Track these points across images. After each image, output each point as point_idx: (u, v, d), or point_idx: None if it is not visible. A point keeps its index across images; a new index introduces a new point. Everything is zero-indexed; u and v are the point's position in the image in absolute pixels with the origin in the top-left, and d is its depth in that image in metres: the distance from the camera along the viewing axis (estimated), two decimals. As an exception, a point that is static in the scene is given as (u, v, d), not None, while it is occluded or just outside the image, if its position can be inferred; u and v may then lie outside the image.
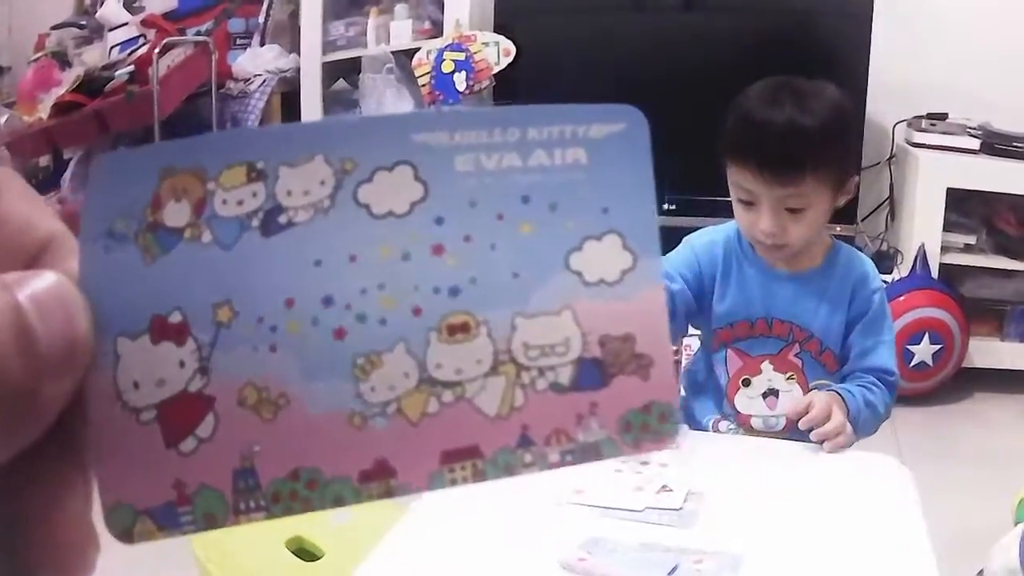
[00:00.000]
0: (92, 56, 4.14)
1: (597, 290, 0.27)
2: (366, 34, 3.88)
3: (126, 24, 4.13)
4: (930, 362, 3.42)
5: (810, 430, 1.52)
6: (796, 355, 1.69)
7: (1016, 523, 2.11)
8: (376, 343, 0.26)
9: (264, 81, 4.05)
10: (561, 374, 0.27)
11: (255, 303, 0.26)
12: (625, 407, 0.27)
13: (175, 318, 0.26)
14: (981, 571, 1.96)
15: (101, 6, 4.25)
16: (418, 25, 3.83)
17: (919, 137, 3.60)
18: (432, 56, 3.65)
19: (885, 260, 3.52)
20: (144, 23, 4.02)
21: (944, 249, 3.52)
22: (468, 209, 0.27)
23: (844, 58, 3.46)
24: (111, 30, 4.19)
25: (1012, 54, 3.69)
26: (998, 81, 3.71)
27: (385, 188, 0.27)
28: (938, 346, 3.41)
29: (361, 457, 0.26)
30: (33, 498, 0.25)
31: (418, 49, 3.72)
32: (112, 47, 4.21)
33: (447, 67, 3.61)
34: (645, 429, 0.27)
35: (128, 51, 4.09)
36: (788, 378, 1.67)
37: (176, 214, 0.26)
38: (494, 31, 3.67)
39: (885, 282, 2.09)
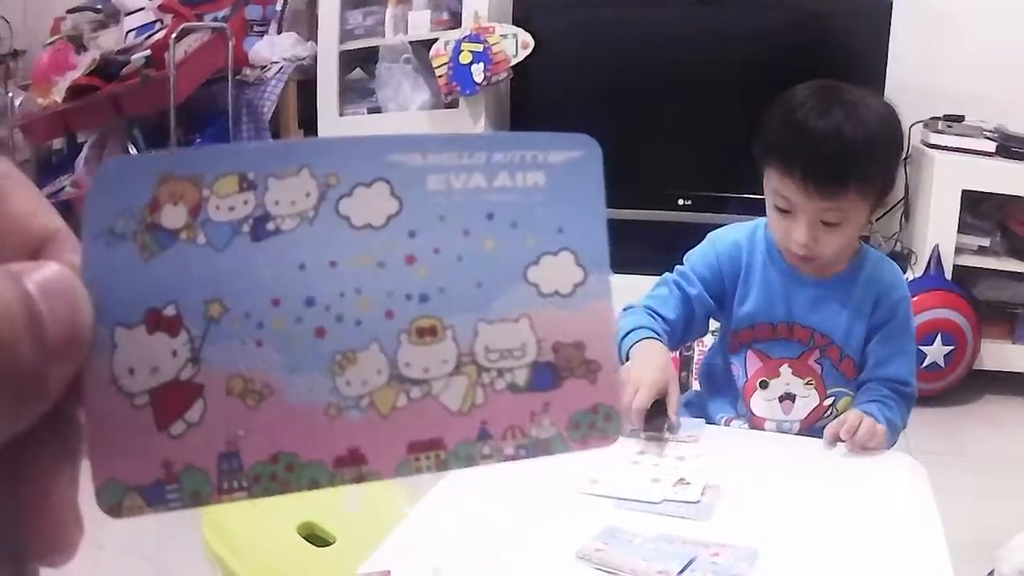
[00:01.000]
0: (108, 40, 4.14)
1: (552, 301, 0.30)
2: (384, 23, 3.88)
3: (143, 9, 4.13)
4: (942, 363, 3.41)
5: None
6: (816, 361, 1.68)
7: (1028, 525, 2.11)
8: (352, 342, 0.29)
9: (280, 69, 4.05)
10: (518, 376, 0.30)
11: (243, 301, 0.29)
12: (574, 407, 0.30)
13: (169, 311, 0.28)
14: (991, 573, 1.96)
15: (118, -10, 4.25)
16: (436, 15, 3.83)
17: (935, 139, 3.59)
18: (450, 47, 3.64)
19: (899, 260, 3.50)
20: (161, 8, 4.02)
21: (958, 251, 3.51)
22: (438, 224, 0.30)
23: (862, 58, 3.45)
24: (128, 14, 4.19)
25: (1030, 58, 3.68)
26: (1015, 84, 3.70)
27: (364, 202, 0.29)
28: (950, 347, 3.40)
29: (335, 445, 0.29)
30: (27, 482, 0.27)
31: (436, 39, 3.71)
32: (128, 31, 4.21)
33: (465, 58, 3.60)
34: (592, 427, 0.30)
35: (144, 36, 4.09)
36: (807, 383, 1.65)
37: (173, 216, 0.29)
38: (513, 23, 3.66)
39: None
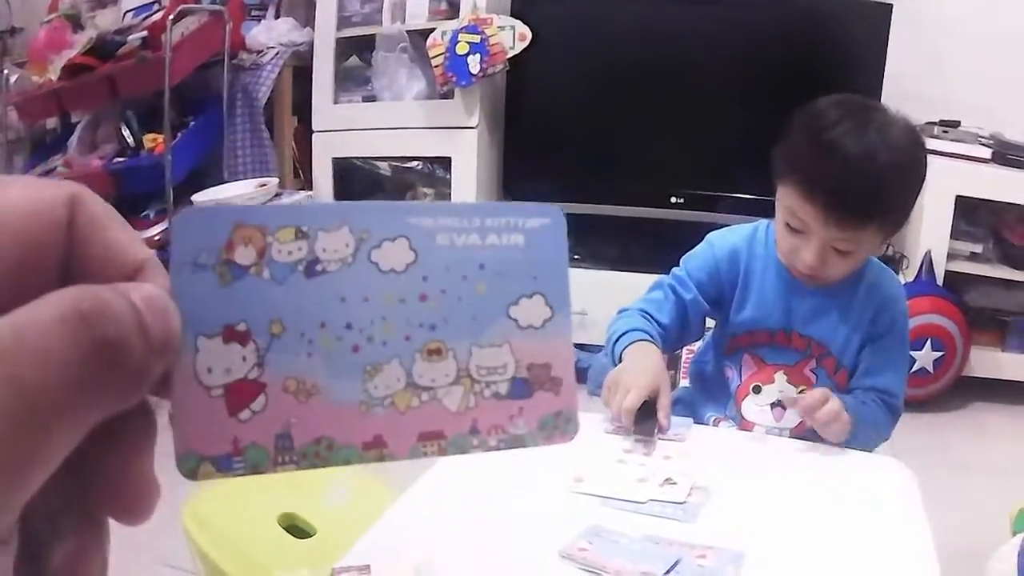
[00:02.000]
0: (105, 20, 4.12)
1: (527, 332, 0.40)
2: (382, 11, 3.86)
3: (141, -11, 4.11)
4: (931, 369, 3.41)
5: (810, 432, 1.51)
6: (812, 370, 1.67)
7: (1014, 534, 2.11)
8: (379, 357, 0.38)
9: (277, 54, 4.03)
10: (501, 387, 0.39)
11: (298, 323, 0.38)
12: (542, 412, 0.40)
13: (241, 327, 0.37)
14: (976, 581, 1.95)
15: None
16: (435, 5, 3.81)
17: (931, 144, 3.56)
18: (447, 37, 3.63)
19: (890, 264, 3.48)
20: (159, -11, 4.00)
21: (950, 256, 3.52)
22: (444, 271, 0.39)
23: (861, 62, 3.44)
24: (126, -5, 4.18)
25: (1027, 65, 3.68)
26: (1012, 91, 3.71)
27: (389, 253, 0.39)
28: (939, 353, 3.40)
29: (364, 432, 0.38)
30: (116, 453, 0.33)
31: (433, 29, 3.70)
32: (126, 12, 4.20)
33: (462, 49, 3.59)
34: (555, 428, 0.40)
35: (142, 16, 4.07)
36: (800, 391, 1.63)
37: (244, 255, 0.37)
38: (511, 15, 3.65)
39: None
